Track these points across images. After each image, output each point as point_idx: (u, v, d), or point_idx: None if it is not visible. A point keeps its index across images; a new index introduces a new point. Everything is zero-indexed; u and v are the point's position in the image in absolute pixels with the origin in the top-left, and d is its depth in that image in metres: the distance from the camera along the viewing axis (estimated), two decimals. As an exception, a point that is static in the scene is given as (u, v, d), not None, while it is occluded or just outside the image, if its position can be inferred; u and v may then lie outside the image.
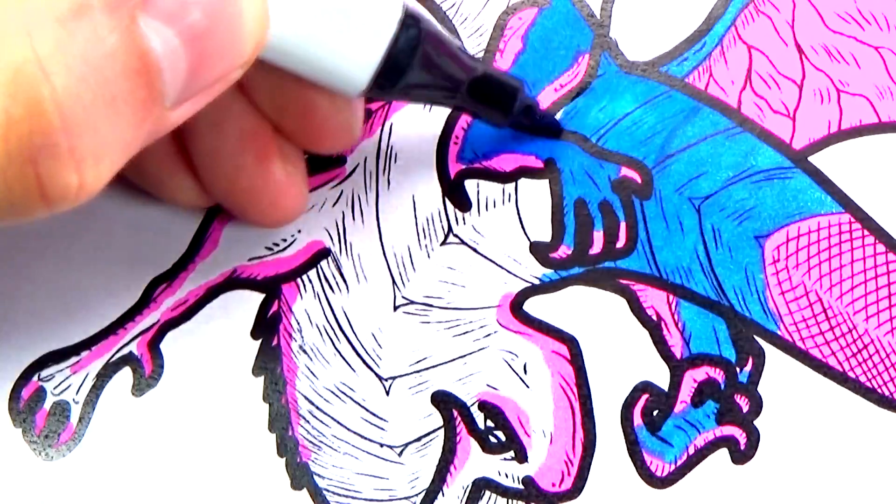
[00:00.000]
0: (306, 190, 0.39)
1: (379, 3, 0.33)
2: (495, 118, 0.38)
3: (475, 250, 0.40)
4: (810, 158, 0.40)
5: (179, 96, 0.28)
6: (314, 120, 0.36)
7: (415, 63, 0.34)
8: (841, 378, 0.38)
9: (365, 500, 0.38)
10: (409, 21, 0.34)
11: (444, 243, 0.40)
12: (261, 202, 0.38)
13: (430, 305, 0.39)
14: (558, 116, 0.41)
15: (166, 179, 0.38)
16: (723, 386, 0.38)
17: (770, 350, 0.38)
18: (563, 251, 0.39)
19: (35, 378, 0.39)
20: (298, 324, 0.39)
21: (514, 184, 0.40)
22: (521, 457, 0.38)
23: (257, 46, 0.30)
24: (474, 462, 0.38)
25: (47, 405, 0.39)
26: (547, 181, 0.40)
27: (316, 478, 0.38)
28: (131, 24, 0.27)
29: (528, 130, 0.40)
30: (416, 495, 0.38)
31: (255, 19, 0.29)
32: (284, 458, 0.38)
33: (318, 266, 0.40)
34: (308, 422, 0.38)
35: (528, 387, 0.38)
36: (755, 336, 0.38)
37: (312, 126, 0.36)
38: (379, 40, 0.33)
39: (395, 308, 0.39)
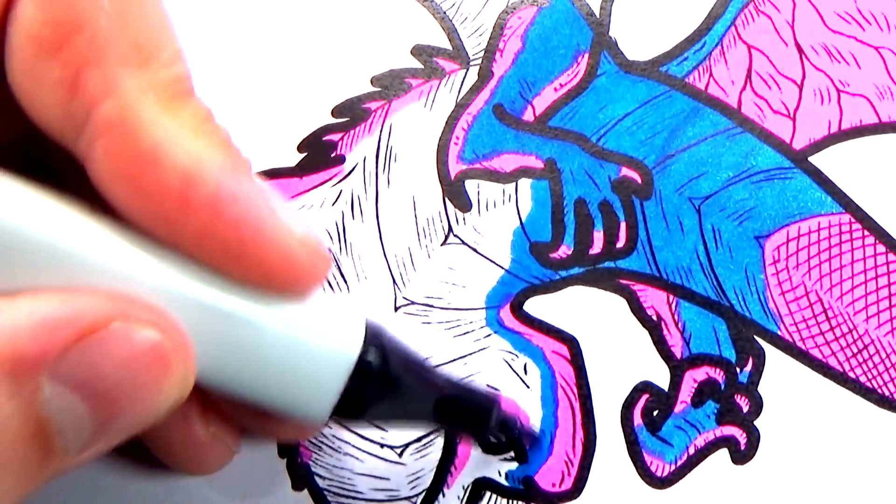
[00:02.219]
0: (234, 444, 0.35)
1: (341, 330, 0.30)
2: (470, 436, 0.36)
3: (475, 250, 0.40)
4: (810, 158, 0.40)
5: (83, 447, 0.26)
6: (271, 426, 0.33)
7: (378, 395, 0.32)
8: (841, 378, 0.38)
9: (365, 500, 0.38)
10: (371, 351, 0.31)
11: (444, 243, 0.40)
12: (180, 457, 0.34)
13: (431, 306, 0.39)
14: (558, 117, 0.41)
15: None
16: (723, 386, 0.38)
17: (770, 350, 0.38)
18: (563, 251, 0.39)
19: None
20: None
21: (514, 184, 0.40)
22: (521, 457, 0.38)
23: (175, 406, 0.28)
24: (474, 462, 0.38)
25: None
26: (547, 181, 0.40)
27: (316, 478, 0.38)
28: (33, 392, 0.25)
29: (507, 447, 0.38)
30: (417, 496, 0.38)
31: (174, 387, 0.27)
32: (285, 459, 0.38)
33: (319, 266, 0.40)
34: (308, 422, 0.38)
35: (528, 387, 0.38)
36: (755, 336, 0.38)
37: (267, 427, 0.34)
38: (339, 370, 0.30)
39: (396, 308, 0.39)
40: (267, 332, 0.28)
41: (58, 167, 0.29)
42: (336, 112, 0.41)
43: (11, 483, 0.25)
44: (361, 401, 0.31)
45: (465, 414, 0.34)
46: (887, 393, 0.38)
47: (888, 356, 0.38)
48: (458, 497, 0.38)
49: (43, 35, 0.26)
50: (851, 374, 0.38)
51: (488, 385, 0.38)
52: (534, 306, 0.39)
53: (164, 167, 0.26)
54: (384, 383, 0.31)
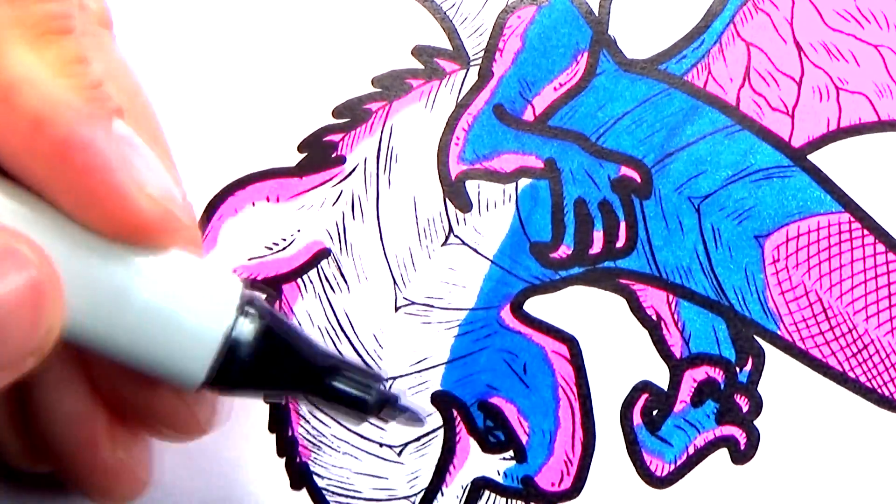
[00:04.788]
0: (147, 472, 0.34)
1: (210, 296, 0.29)
2: (351, 417, 0.33)
3: (476, 251, 0.40)
4: (809, 157, 0.40)
5: None
6: (153, 409, 0.32)
7: (254, 362, 0.30)
8: (841, 378, 0.38)
9: (364, 499, 0.38)
10: (249, 312, 0.30)
11: (444, 244, 0.40)
12: (90, 484, 0.33)
13: (431, 306, 0.39)
14: (558, 116, 0.41)
15: None
16: (722, 386, 0.38)
17: (770, 350, 0.38)
18: (563, 251, 0.39)
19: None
20: (300, 324, 0.39)
21: (514, 184, 0.40)
22: (521, 456, 0.38)
23: (48, 341, 0.27)
24: (474, 462, 0.38)
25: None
26: (547, 181, 0.40)
27: (315, 477, 0.38)
28: None
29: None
30: (416, 495, 0.38)
31: (49, 317, 0.26)
32: (284, 458, 0.38)
33: (319, 266, 0.40)
34: (308, 421, 0.38)
35: (527, 387, 0.38)
36: (755, 336, 0.38)
37: (151, 414, 0.32)
38: (210, 336, 0.29)
39: (397, 308, 0.39)
40: (133, 282, 0.28)
41: None
42: (337, 112, 0.41)
43: None
44: (235, 371, 0.30)
45: (345, 389, 0.32)
46: (887, 393, 0.38)
47: (888, 356, 0.38)
48: (457, 496, 0.38)
49: None
50: (851, 374, 0.38)
51: (488, 385, 0.38)
52: (534, 306, 0.39)
53: (13, 104, 0.26)
54: (261, 350, 0.30)
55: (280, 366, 0.31)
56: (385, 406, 0.33)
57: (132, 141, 0.28)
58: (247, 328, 0.30)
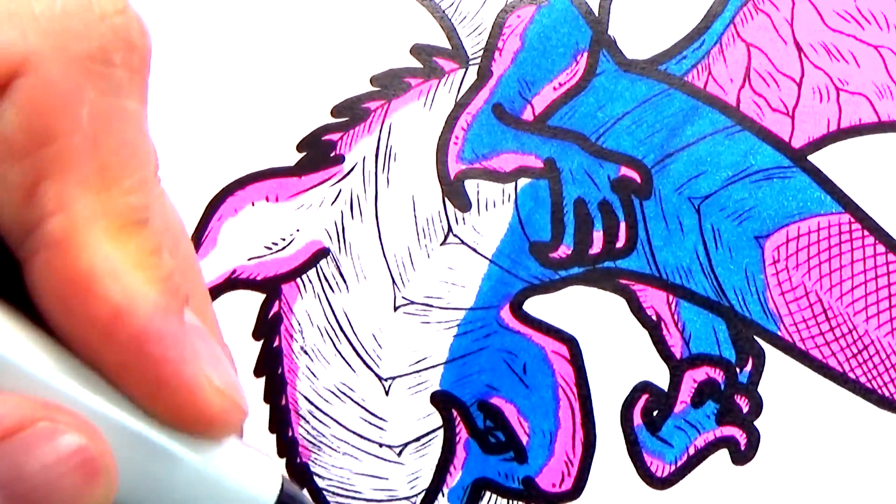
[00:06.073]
0: None
1: (251, 487, 0.29)
2: None
3: (475, 250, 0.39)
4: (809, 157, 0.40)
5: None
6: None
7: None
8: (841, 379, 0.38)
9: (364, 500, 0.38)
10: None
11: (444, 243, 0.40)
12: None
13: (431, 305, 0.39)
14: (558, 116, 0.40)
15: None
16: (723, 386, 0.38)
17: (770, 350, 0.38)
18: (563, 251, 0.39)
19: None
20: (299, 324, 0.39)
21: (513, 184, 0.40)
22: (521, 457, 0.38)
23: None
24: (474, 462, 0.38)
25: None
26: (547, 181, 0.40)
27: (316, 478, 0.38)
28: None
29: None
30: (416, 495, 0.38)
31: (97, 495, 0.26)
32: (284, 459, 0.38)
33: (318, 266, 0.40)
34: (308, 422, 0.38)
35: (527, 387, 0.38)
36: (755, 336, 0.38)
37: None
38: None
39: (396, 308, 0.39)
40: (185, 468, 0.29)
41: None
42: (336, 112, 0.41)
43: None
44: None
45: None
46: (887, 393, 0.38)
47: (888, 356, 0.38)
48: (458, 497, 0.38)
49: (14, 139, 0.26)
50: (851, 375, 0.38)
51: (488, 385, 0.38)
52: (533, 306, 0.39)
53: (95, 296, 0.26)
54: None
55: None
56: None
57: (200, 331, 0.29)
58: None
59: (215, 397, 0.28)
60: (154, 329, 0.27)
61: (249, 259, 0.40)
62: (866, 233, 0.39)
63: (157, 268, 0.28)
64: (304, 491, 0.33)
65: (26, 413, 0.26)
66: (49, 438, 0.26)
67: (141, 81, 0.28)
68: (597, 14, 0.42)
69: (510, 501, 0.38)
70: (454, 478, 0.38)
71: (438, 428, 0.38)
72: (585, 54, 0.41)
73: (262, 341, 0.39)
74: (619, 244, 0.39)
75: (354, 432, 0.38)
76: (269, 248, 0.40)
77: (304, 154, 0.40)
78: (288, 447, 0.38)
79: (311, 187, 0.40)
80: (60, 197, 0.27)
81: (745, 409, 0.38)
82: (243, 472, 0.30)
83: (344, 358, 0.39)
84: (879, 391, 0.38)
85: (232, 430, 0.30)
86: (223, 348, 0.31)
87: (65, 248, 0.26)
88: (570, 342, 0.39)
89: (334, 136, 0.40)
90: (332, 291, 0.39)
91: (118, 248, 0.27)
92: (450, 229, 0.40)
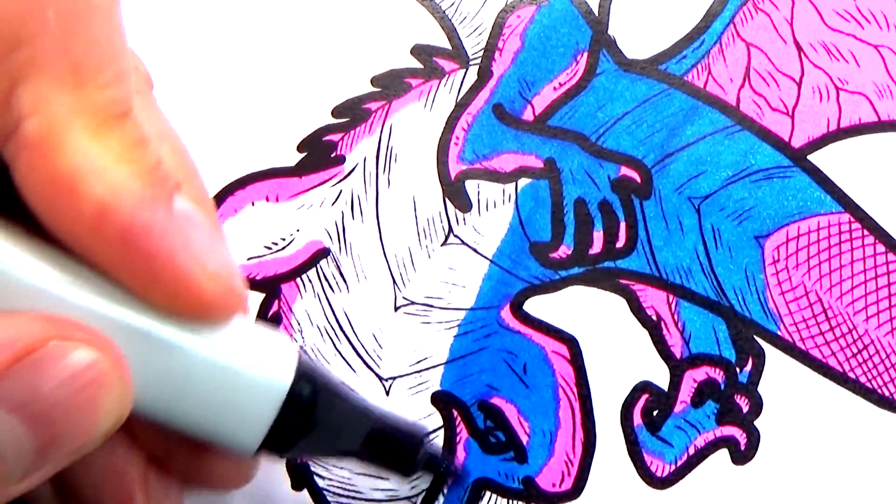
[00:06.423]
0: None
1: (269, 362, 0.30)
2: (396, 476, 0.35)
3: (475, 251, 0.39)
4: (809, 157, 0.40)
5: (26, 472, 0.26)
6: (201, 463, 0.33)
7: (307, 428, 0.31)
8: (841, 378, 0.38)
9: (365, 500, 0.38)
10: (303, 383, 0.31)
11: (444, 244, 0.40)
12: None
13: (431, 306, 0.39)
14: (558, 116, 0.41)
15: None
16: (723, 386, 0.38)
17: (770, 350, 0.38)
18: (563, 251, 0.39)
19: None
20: (299, 324, 0.39)
21: (513, 184, 0.40)
22: (521, 457, 0.38)
23: (115, 426, 0.28)
24: (474, 462, 0.38)
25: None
26: (547, 181, 0.40)
27: (316, 478, 0.38)
28: None
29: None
30: (417, 496, 0.38)
31: (113, 406, 0.27)
32: (285, 458, 0.38)
33: (318, 266, 0.40)
34: (308, 422, 0.38)
35: (527, 387, 0.38)
36: (755, 336, 0.38)
37: (199, 468, 0.33)
38: (270, 402, 0.30)
39: (396, 308, 0.39)
40: (195, 357, 0.29)
41: None
42: (336, 112, 0.41)
43: None
44: (291, 433, 0.31)
45: (392, 450, 0.34)
46: (887, 393, 0.38)
47: (888, 356, 0.38)
48: (458, 497, 0.38)
49: None
50: (851, 375, 0.38)
51: (488, 385, 0.38)
52: (534, 306, 0.39)
53: (79, 194, 0.26)
54: (314, 417, 0.31)
55: (332, 430, 0.32)
56: (430, 464, 0.35)
57: (192, 218, 0.29)
58: (305, 392, 0.31)
59: (209, 283, 0.28)
60: (141, 221, 0.27)
61: (249, 259, 0.40)
62: (866, 233, 0.39)
63: (142, 160, 0.27)
64: (322, 367, 0.32)
65: (36, 333, 0.26)
66: (61, 357, 0.26)
67: None
68: (597, 14, 0.42)
69: (510, 501, 0.38)
70: (454, 478, 0.38)
71: (439, 428, 0.38)
72: (585, 54, 0.41)
73: (262, 341, 0.39)
74: (620, 244, 0.39)
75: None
76: (269, 248, 0.40)
77: (304, 154, 0.40)
78: (288, 447, 0.38)
79: (312, 187, 0.40)
80: (36, 98, 0.26)
81: (745, 409, 0.38)
82: (254, 355, 0.30)
83: (344, 358, 0.39)
84: (879, 391, 0.38)
85: (230, 314, 0.29)
86: (218, 233, 0.31)
87: (44, 147, 0.26)
88: (571, 342, 0.39)
89: (335, 137, 0.41)
90: (333, 291, 0.39)
91: (99, 144, 0.27)
92: (450, 230, 0.40)
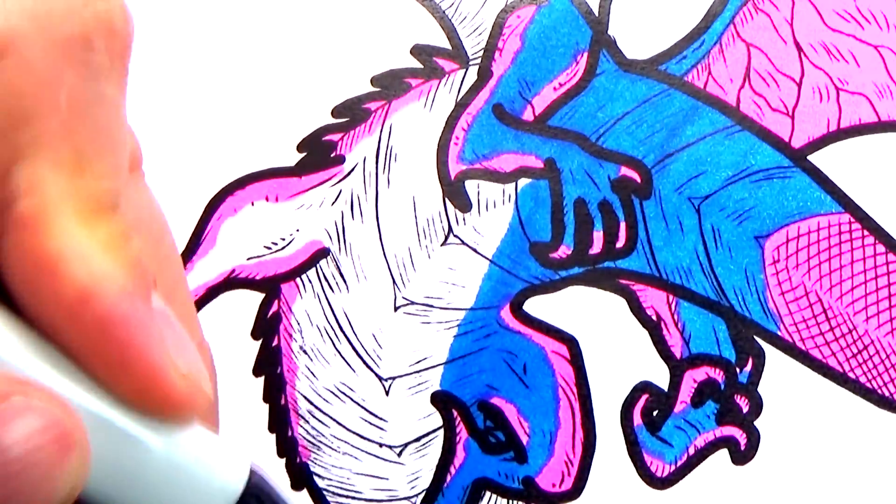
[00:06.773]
0: None
1: (220, 474, 0.29)
2: None
3: (475, 251, 0.39)
4: (809, 157, 0.40)
5: None
6: None
7: None
8: (841, 378, 0.38)
9: (365, 500, 0.38)
10: (253, 493, 0.32)
11: (444, 244, 0.40)
12: None
13: (431, 306, 0.39)
14: (558, 116, 0.40)
15: None
16: (723, 386, 0.38)
17: (770, 350, 0.38)
18: (563, 251, 0.39)
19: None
20: (299, 324, 0.39)
21: (514, 184, 0.40)
22: (521, 457, 0.38)
23: (73, 493, 0.26)
24: (474, 462, 0.38)
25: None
26: (547, 181, 0.40)
27: (316, 478, 0.38)
28: None
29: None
30: (416, 495, 0.38)
31: (73, 467, 0.26)
32: (284, 459, 0.38)
33: (318, 266, 0.40)
34: (308, 422, 0.38)
35: (527, 387, 0.38)
36: (755, 336, 0.38)
37: None
38: None
39: (396, 308, 0.39)
40: (154, 452, 0.29)
41: None
42: (336, 112, 0.41)
43: None
44: None
45: None
46: (887, 393, 0.38)
47: (888, 356, 0.38)
48: (458, 497, 0.38)
49: None
50: (851, 375, 0.38)
51: (488, 385, 0.38)
52: (534, 306, 0.39)
53: (62, 277, 0.27)
54: None
55: None
56: None
57: (166, 317, 0.29)
58: (253, 500, 0.31)
59: (179, 382, 0.28)
60: (120, 312, 0.27)
61: (249, 258, 0.40)
62: (866, 233, 0.39)
63: (126, 252, 0.28)
64: (274, 483, 0.32)
65: (0, 388, 0.26)
66: (23, 412, 0.26)
67: (121, 67, 0.28)
68: (597, 14, 0.42)
69: (510, 501, 0.38)
70: (454, 478, 0.38)
71: (438, 428, 0.38)
72: (585, 54, 0.41)
73: (261, 341, 0.39)
74: (620, 244, 0.39)
75: (354, 432, 0.38)
76: (269, 248, 0.40)
77: (304, 154, 0.40)
78: (288, 447, 0.38)
79: (312, 187, 0.40)
80: (33, 178, 0.27)
81: (745, 409, 0.38)
82: (210, 460, 0.30)
83: (344, 358, 0.39)
84: (879, 391, 0.38)
85: (195, 415, 0.30)
86: (194, 335, 0.31)
87: (34, 228, 0.26)
88: (570, 342, 0.39)
89: (335, 137, 0.40)
90: (332, 291, 0.39)
91: (87, 231, 0.27)
92: (450, 230, 0.40)
